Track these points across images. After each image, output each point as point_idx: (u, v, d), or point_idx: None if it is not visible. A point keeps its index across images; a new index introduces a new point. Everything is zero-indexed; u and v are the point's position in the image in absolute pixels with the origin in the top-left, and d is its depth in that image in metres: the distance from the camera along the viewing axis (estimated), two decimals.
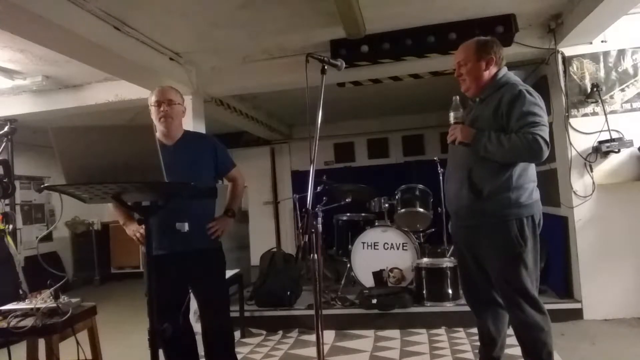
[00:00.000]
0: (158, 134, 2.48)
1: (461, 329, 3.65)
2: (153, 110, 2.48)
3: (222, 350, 2.56)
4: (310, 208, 1.87)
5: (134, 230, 2.41)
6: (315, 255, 1.90)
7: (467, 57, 2.25)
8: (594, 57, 3.79)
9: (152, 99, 2.49)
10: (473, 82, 2.25)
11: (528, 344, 2.18)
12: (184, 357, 2.56)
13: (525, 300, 2.13)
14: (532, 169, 2.21)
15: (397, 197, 4.78)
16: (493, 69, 2.24)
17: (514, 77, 2.26)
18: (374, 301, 3.86)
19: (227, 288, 2.77)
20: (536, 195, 2.20)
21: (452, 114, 2.22)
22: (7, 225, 4.23)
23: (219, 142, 2.68)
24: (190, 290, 2.55)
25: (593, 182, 3.72)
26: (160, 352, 2.32)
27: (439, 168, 4.62)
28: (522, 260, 2.12)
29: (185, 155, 2.44)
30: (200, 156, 2.53)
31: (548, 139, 2.03)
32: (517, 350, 2.88)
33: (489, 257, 2.21)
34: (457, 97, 2.26)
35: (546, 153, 2.03)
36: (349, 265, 4.57)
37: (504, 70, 2.27)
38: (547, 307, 2.19)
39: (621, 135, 3.66)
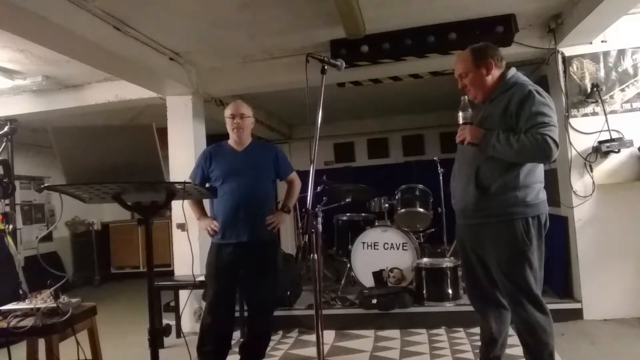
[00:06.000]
0: (230, 142, 2.96)
1: (461, 329, 3.65)
2: (228, 121, 2.89)
3: (263, 323, 2.96)
4: (310, 208, 1.88)
5: (206, 224, 2.83)
6: (315, 255, 1.90)
7: (466, 68, 2.25)
8: (594, 57, 3.79)
9: (228, 112, 2.88)
10: (479, 90, 2.26)
11: (530, 344, 2.17)
12: (217, 346, 2.83)
13: (529, 300, 2.13)
14: (539, 169, 2.21)
15: (397, 197, 4.78)
16: (496, 72, 2.24)
17: (523, 77, 2.25)
18: (374, 301, 3.86)
19: (277, 273, 3.09)
20: (543, 195, 2.20)
21: (460, 114, 2.20)
22: (7, 225, 4.23)
23: (280, 150, 3.12)
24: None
25: (593, 182, 3.72)
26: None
27: (439, 168, 4.62)
28: (527, 260, 2.12)
29: (252, 160, 2.88)
30: (264, 161, 2.94)
31: (557, 140, 2.04)
32: (517, 350, 2.90)
33: (494, 256, 2.20)
34: (466, 97, 2.25)
35: (556, 154, 2.04)
36: (349, 265, 4.57)
37: (513, 70, 2.26)
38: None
39: (621, 135, 3.66)
